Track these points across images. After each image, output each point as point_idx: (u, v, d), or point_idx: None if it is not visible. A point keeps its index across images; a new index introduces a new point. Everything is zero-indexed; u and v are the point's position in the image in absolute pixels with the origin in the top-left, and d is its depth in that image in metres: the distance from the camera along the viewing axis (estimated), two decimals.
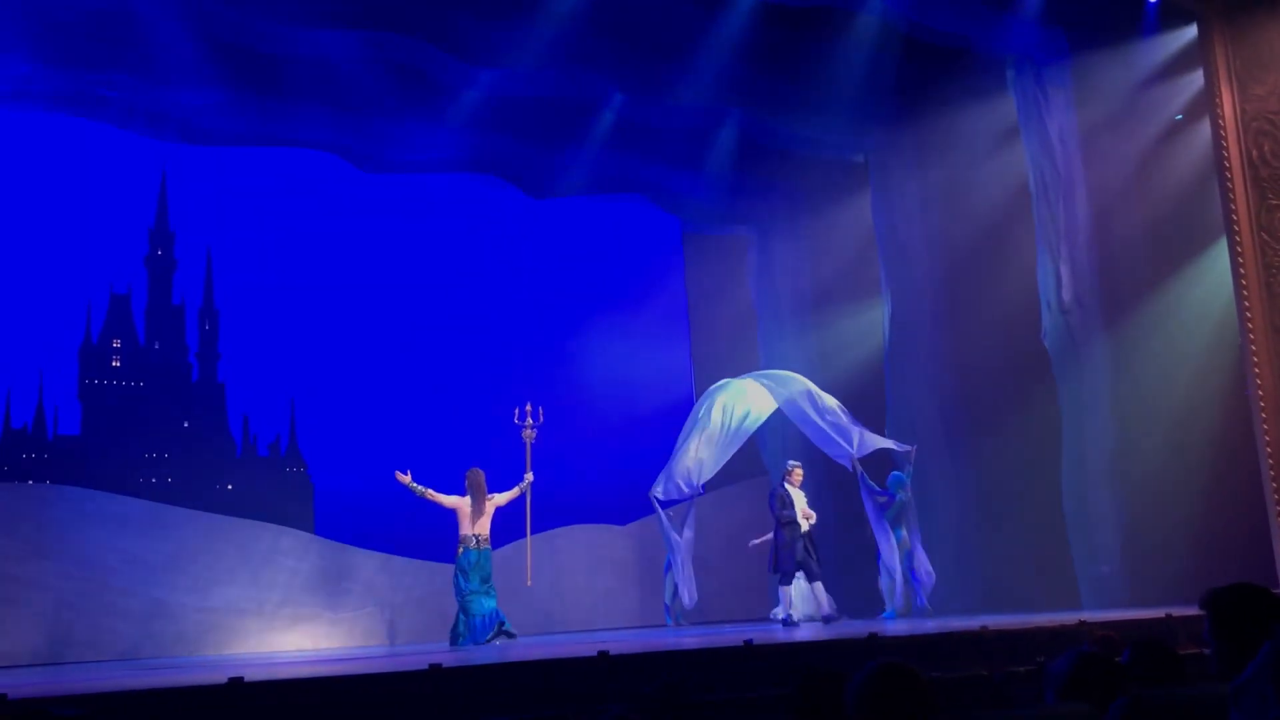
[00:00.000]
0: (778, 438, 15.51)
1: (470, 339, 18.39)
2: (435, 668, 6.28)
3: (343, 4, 11.43)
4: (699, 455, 13.27)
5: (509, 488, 11.37)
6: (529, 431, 11.67)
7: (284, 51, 12.06)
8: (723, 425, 13.44)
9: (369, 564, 13.58)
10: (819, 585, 11.91)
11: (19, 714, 2.65)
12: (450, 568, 11.29)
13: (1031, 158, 12.71)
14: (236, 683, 5.80)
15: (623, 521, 15.74)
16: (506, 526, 11.84)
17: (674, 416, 14.85)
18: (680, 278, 17.82)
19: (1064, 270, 12.31)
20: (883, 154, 14.35)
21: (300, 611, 13.09)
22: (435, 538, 12.16)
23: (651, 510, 13.43)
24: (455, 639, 10.76)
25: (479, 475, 11.11)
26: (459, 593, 10.82)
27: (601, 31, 12.19)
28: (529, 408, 11.79)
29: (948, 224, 13.95)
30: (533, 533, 12.06)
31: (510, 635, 10.73)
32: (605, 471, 14.22)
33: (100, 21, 11.40)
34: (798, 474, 12.17)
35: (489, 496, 11.05)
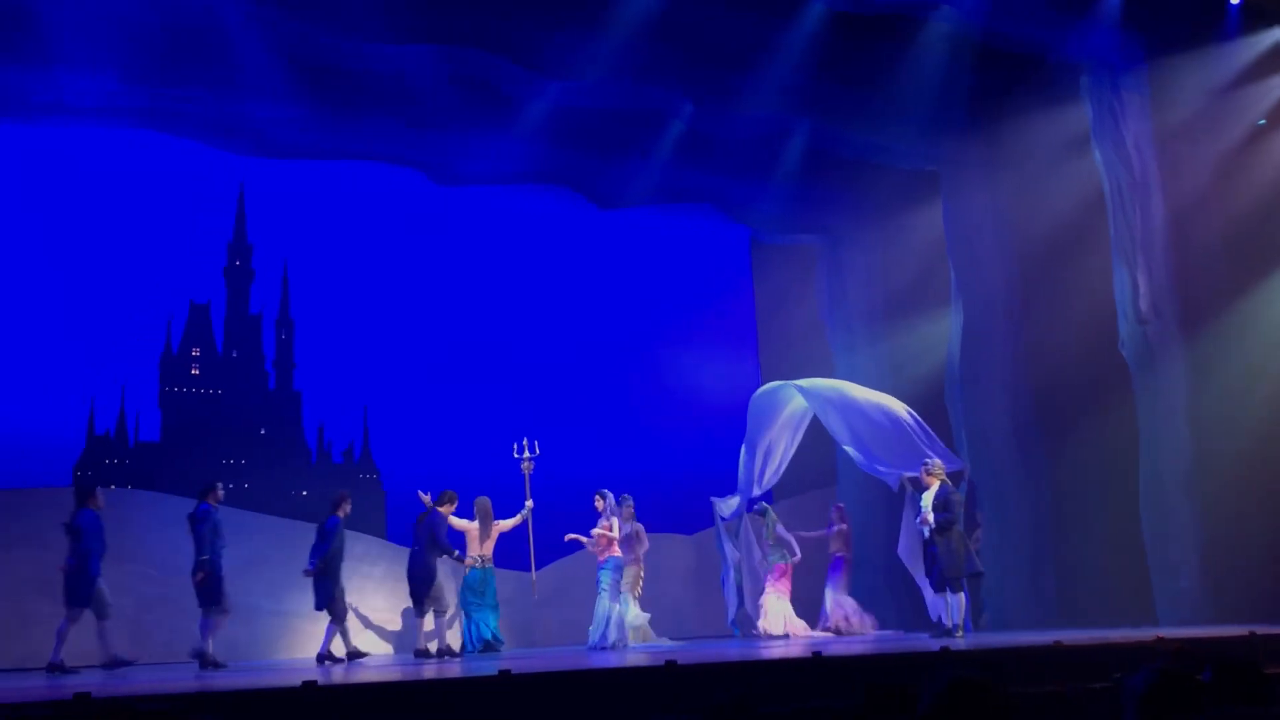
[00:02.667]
0: None
1: (539, 348, 18.54)
2: (505, 674, 6.33)
3: (415, 19, 11.60)
4: (763, 463, 13.41)
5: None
6: (527, 464, 12.54)
7: (358, 66, 12.27)
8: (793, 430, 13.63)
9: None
10: (941, 597, 11.41)
11: (106, 710, 2.73)
12: (517, 574, 12.64)
13: (1106, 165, 12.49)
14: (310, 686, 5.90)
15: (689, 531, 15.72)
16: (549, 546, 13.19)
17: (741, 426, 14.79)
18: (749, 287, 17.79)
19: (1141, 279, 12.08)
20: (954, 162, 14.19)
21: (372, 616, 13.27)
22: (504, 546, 12.40)
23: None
24: (468, 646, 11.83)
25: (486, 503, 12.27)
26: (465, 605, 11.96)
27: (670, 42, 12.22)
28: (525, 441, 12.64)
29: (1020, 233, 13.75)
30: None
31: (496, 648, 11.78)
32: (671, 480, 14.26)
33: (182, 39, 11.70)
34: (923, 475, 11.57)
35: (495, 522, 12.14)
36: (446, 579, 12.19)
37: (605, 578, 12.31)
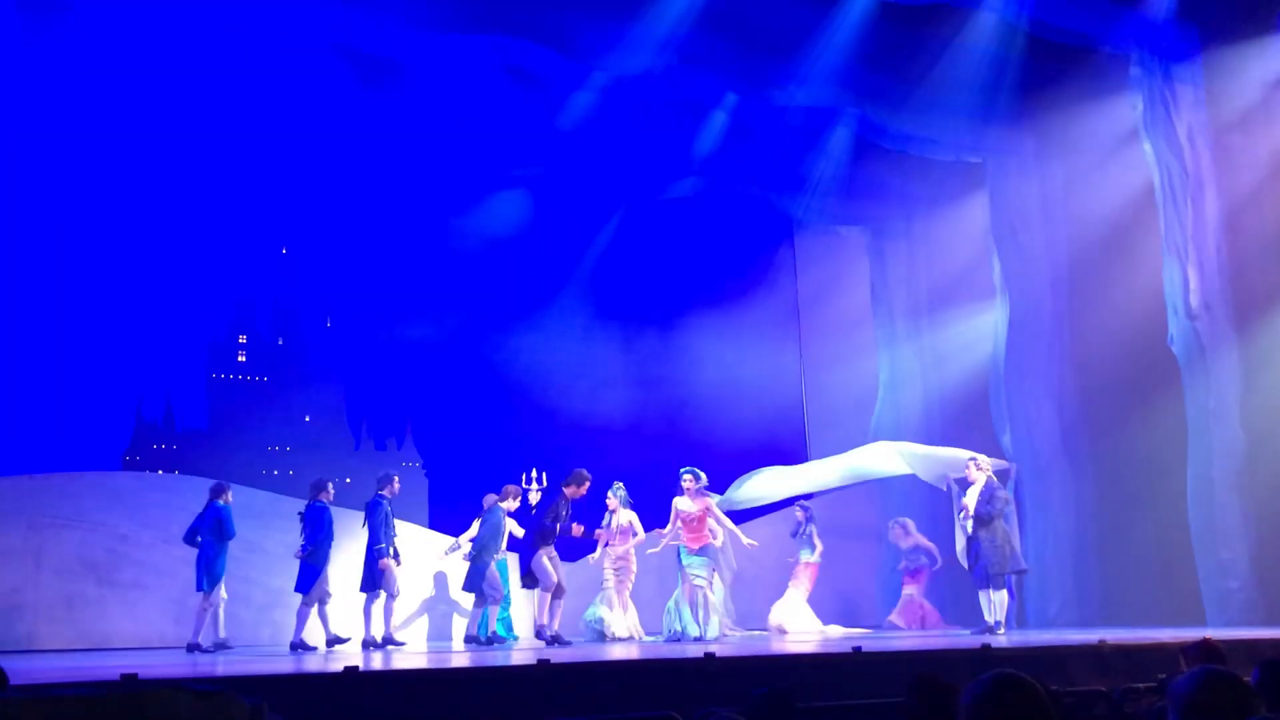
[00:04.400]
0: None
1: (582, 337, 18.60)
2: (544, 663, 6.35)
3: (460, 9, 11.62)
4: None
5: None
6: (535, 494, 12.82)
7: (404, 55, 12.33)
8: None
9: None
10: (984, 593, 11.17)
11: (157, 689, 2.76)
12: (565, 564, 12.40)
13: (1158, 157, 12.29)
14: (351, 671, 5.94)
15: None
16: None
17: (782, 415, 14.70)
18: (792, 277, 17.68)
19: (1192, 274, 11.89)
20: (1001, 153, 14.03)
21: (413, 602, 13.36)
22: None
23: (754, 514, 13.39)
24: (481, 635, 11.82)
25: (494, 501, 12.27)
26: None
27: (716, 31, 12.17)
28: (534, 473, 13.03)
29: (1069, 225, 13.58)
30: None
31: (502, 640, 11.91)
32: (708, 470, 14.14)
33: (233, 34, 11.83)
34: (971, 469, 11.45)
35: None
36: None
37: (702, 567, 11.45)
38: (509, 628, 12.35)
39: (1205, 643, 5.03)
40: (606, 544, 12.31)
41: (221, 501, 11.21)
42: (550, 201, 17.13)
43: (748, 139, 14.23)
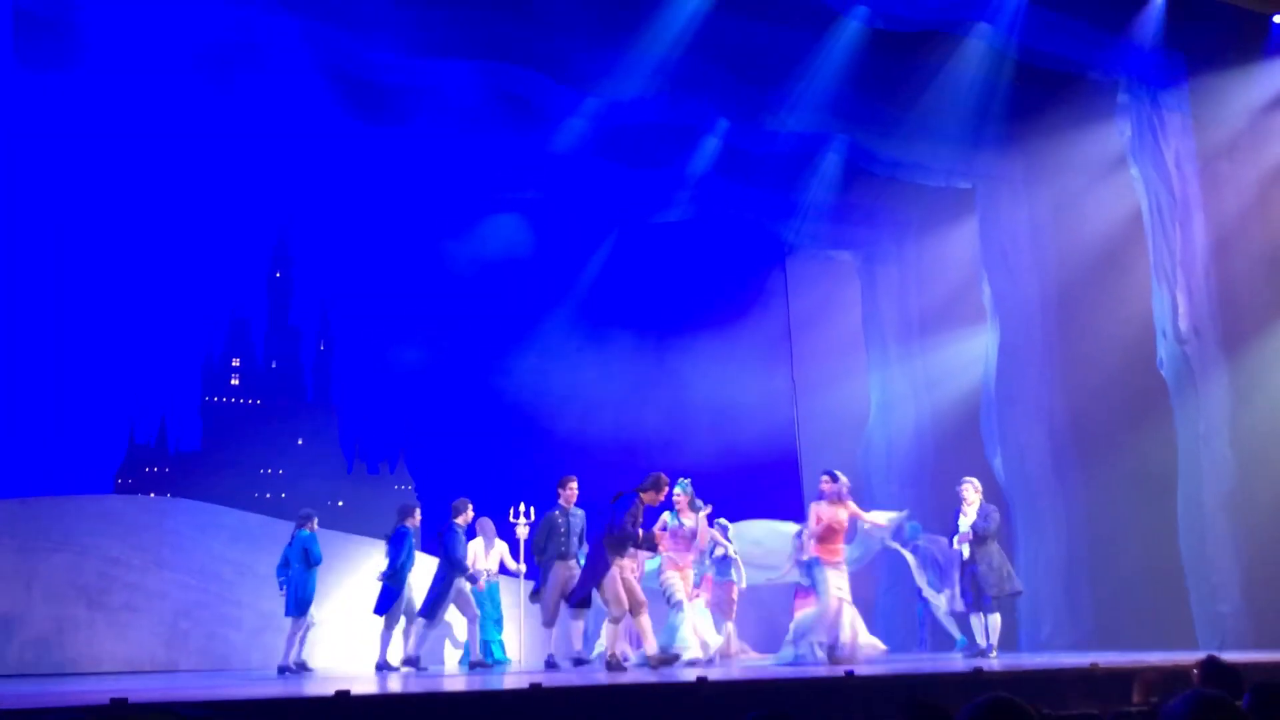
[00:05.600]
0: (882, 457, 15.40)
1: (575, 360, 18.64)
2: (536, 688, 6.34)
3: (453, 34, 11.68)
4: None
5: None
6: (523, 529, 12.82)
7: (398, 81, 12.39)
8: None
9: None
10: (977, 616, 11.05)
11: (148, 714, 2.77)
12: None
13: (1146, 183, 12.39)
14: (343, 696, 5.92)
15: None
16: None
17: (775, 438, 14.63)
18: (784, 301, 17.74)
19: (1181, 298, 11.96)
20: (990, 179, 14.12)
21: (405, 627, 13.32)
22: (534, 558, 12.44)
23: None
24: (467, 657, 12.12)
25: (489, 523, 12.56)
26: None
27: (707, 57, 12.26)
28: (522, 507, 12.94)
29: (1058, 250, 13.66)
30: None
31: (488, 665, 11.86)
32: (701, 494, 14.09)
33: (226, 52, 11.88)
34: (968, 490, 11.27)
35: (497, 540, 12.48)
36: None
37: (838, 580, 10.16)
38: (503, 649, 12.32)
39: (1214, 661, 5.05)
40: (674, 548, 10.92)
41: (307, 529, 11.40)
42: (544, 226, 17.20)
43: (739, 164, 14.30)
